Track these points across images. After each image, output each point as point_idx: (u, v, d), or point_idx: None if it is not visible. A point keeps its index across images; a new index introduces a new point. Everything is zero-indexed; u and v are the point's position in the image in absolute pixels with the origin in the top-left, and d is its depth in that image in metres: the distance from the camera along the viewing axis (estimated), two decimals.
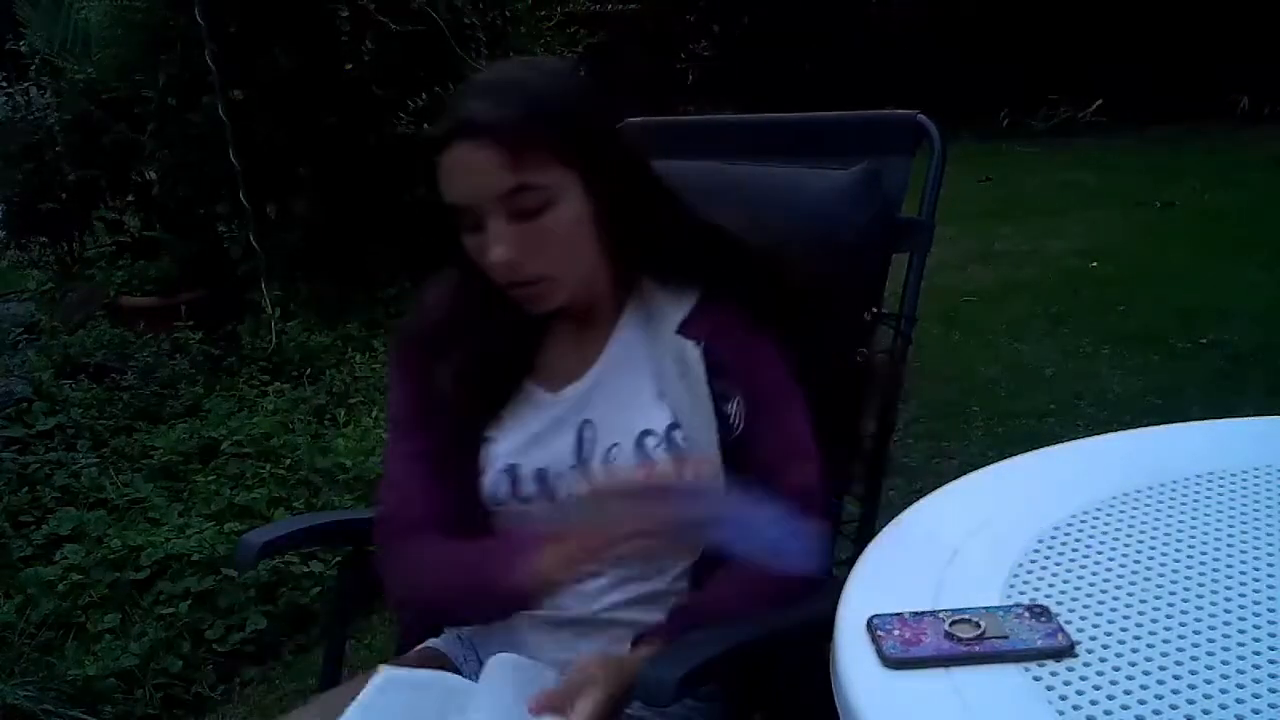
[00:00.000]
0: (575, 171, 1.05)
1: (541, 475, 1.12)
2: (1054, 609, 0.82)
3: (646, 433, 1.10)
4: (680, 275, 1.15)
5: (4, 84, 4.84)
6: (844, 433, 1.28)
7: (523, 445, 1.14)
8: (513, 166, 1.02)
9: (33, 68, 4.87)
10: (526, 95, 1.06)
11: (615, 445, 1.11)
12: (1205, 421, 1.21)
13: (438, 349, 1.15)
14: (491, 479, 1.14)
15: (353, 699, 1.16)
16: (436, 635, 1.28)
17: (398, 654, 1.30)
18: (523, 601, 1.09)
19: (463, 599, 1.13)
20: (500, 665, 1.04)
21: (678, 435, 1.10)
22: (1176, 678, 0.74)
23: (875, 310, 1.32)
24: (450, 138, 1.04)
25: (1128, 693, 0.73)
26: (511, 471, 1.13)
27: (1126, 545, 0.93)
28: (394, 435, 1.21)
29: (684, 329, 1.13)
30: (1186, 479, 1.04)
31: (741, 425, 1.11)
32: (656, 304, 1.16)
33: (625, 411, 1.12)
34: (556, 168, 1.04)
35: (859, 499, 1.30)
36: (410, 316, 1.23)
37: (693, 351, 1.11)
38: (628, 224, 1.10)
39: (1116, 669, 0.76)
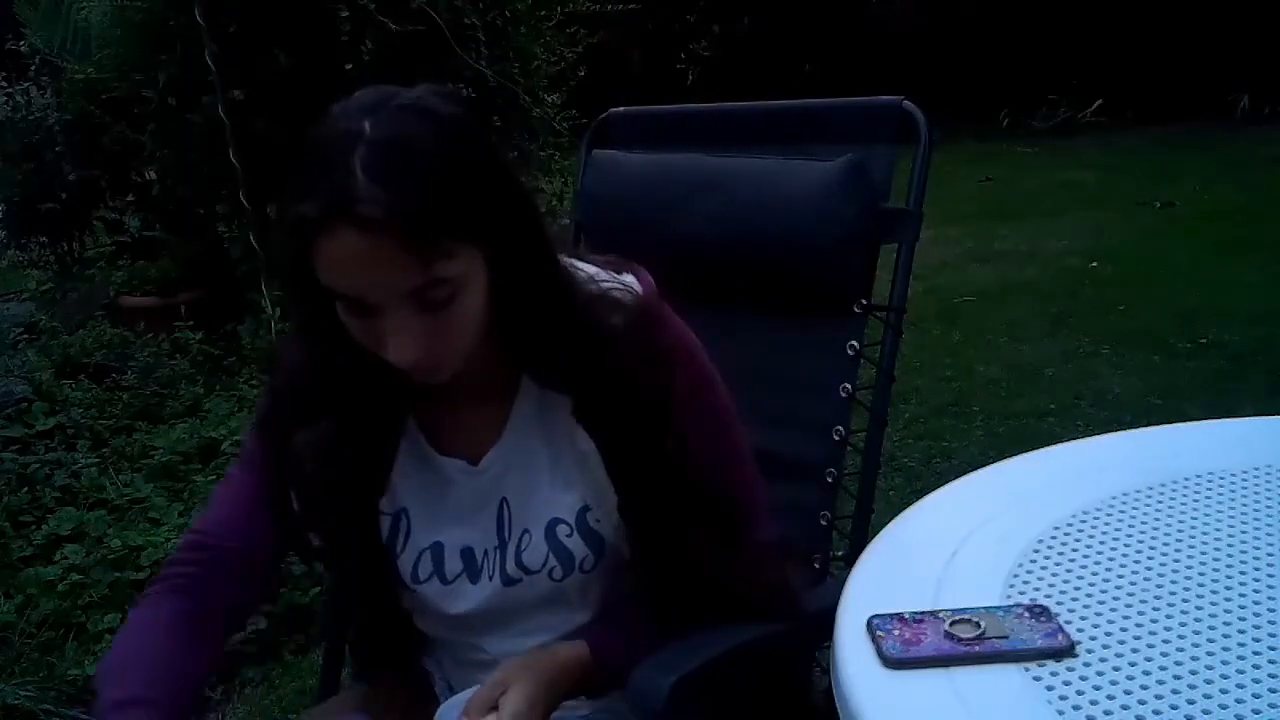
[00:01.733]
0: (480, 249, 0.90)
1: (468, 554, 1.06)
2: (1054, 609, 0.82)
3: (556, 521, 1.04)
4: (556, 368, 1.02)
5: (4, 84, 4.83)
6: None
7: (445, 521, 1.06)
8: (422, 263, 0.85)
9: (33, 68, 4.87)
10: (428, 167, 0.85)
11: (526, 532, 1.05)
12: (1205, 421, 1.21)
13: (304, 411, 1.03)
14: (410, 557, 1.06)
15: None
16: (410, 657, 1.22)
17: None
18: None
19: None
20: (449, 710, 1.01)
21: (590, 518, 1.03)
22: (1177, 678, 0.74)
23: (864, 302, 1.32)
24: (333, 221, 0.83)
25: (1128, 693, 0.73)
26: (436, 550, 1.06)
27: (1126, 545, 0.93)
28: (240, 468, 1.10)
29: (578, 414, 1.02)
30: (1186, 479, 1.04)
31: (658, 505, 1.03)
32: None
33: (534, 497, 1.05)
34: (465, 250, 0.88)
35: (853, 495, 1.30)
36: (280, 367, 1.09)
37: (587, 443, 1.02)
38: (522, 292, 0.95)
39: (1116, 669, 0.76)
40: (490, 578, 1.06)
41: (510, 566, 1.05)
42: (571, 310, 0.99)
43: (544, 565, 1.04)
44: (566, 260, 1.03)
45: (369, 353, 0.92)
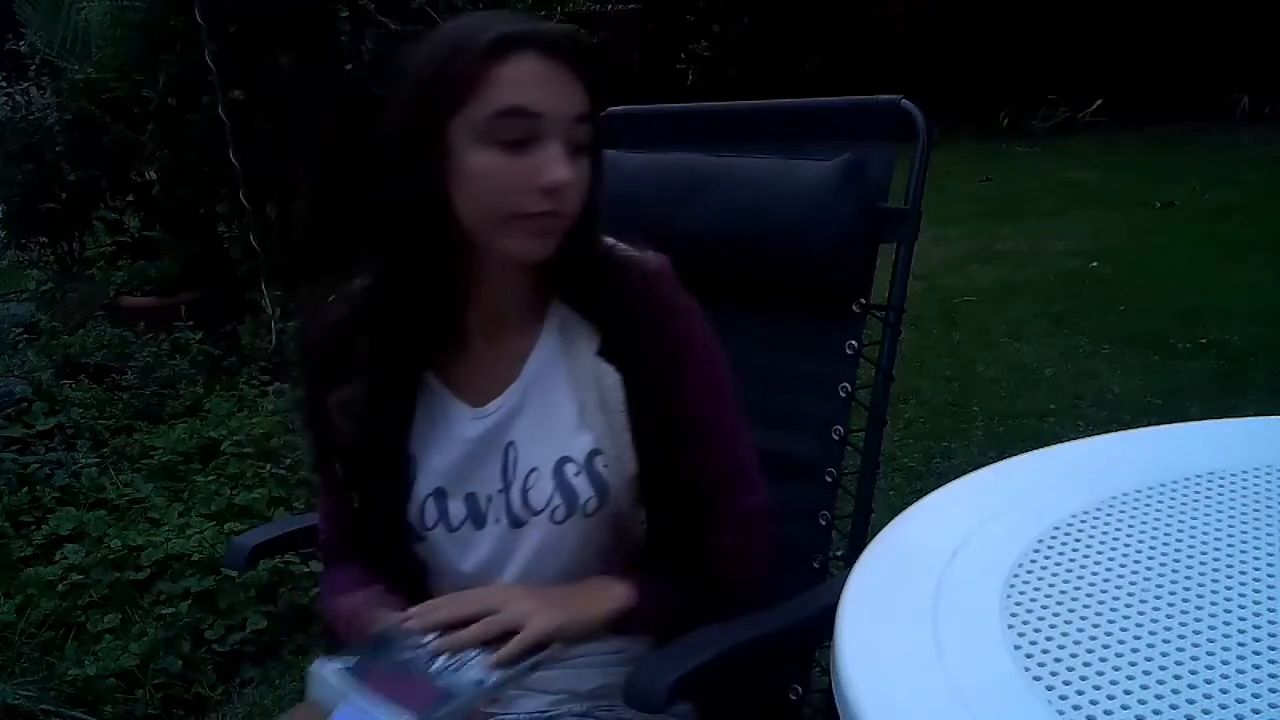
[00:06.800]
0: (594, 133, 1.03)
1: (471, 499, 1.08)
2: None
3: (565, 459, 1.06)
4: (586, 293, 1.09)
5: (4, 84, 4.84)
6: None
7: (450, 466, 1.08)
8: (586, 93, 1.00)
9: (33, 68, 4.87)
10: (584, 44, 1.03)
11: (534, 470, 1.06)
12: (1205, 421, 1.21)
13: (340, 353, 1.09)
14: (416, 504, 1.08)
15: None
16: None
17: None
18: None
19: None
20: None
21: (599, 462, 1.05)
22: (1177, 678, 0.74)
23: (864, 301, 1.32)
24: (526, 45, 0.97)
25: (1128, 693, 0.73)
26: (440, 496, 1.08)
27: (1126, 545, 0.93)
28: (316, 454, 1.18)
29: (604, 352, 1.07)
30: (1186, 479, 1.04)
31: (669, 452, 1.06)
32: (570, 322, 1.10)
33: (547, 435, 1.07)
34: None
35: (853, 495, 1.30)
36: (312, 326, 1.16)
37: (611, 377, 1.06)
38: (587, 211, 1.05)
39: (1116, 669, 0.76)
40: (497, 521, 1.07)
41: (517, 506, 1.06)
42: (603, 246, 1.09)
43: (548, 504, 1.05)
44: None
45: (417, 280, 1.03)
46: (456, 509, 1.08)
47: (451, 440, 1.09)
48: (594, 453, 1.06)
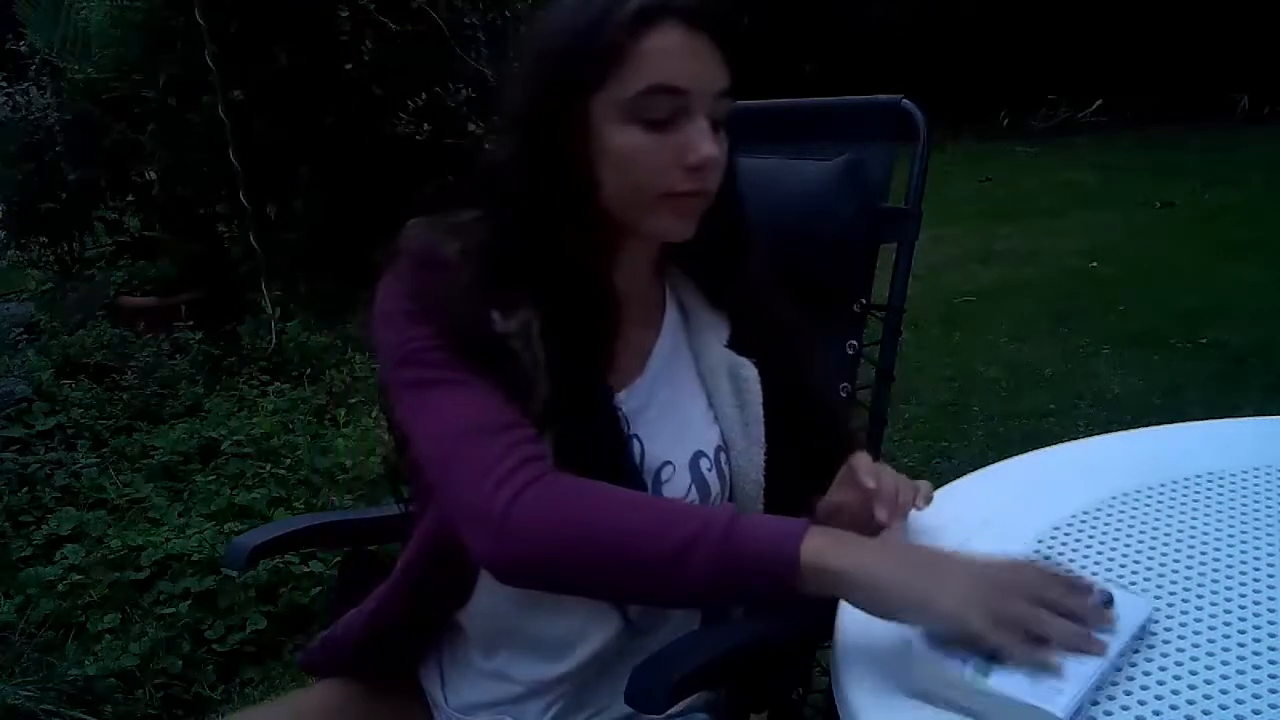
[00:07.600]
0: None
1: None
2: None
3: (699, 454, 1.03)
4: (716, 280, 1.06)
5: (4, 84, 4.84)
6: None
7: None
8: (728, 68, 0.94)
9: (33, 68, 4.87)
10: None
11: (668, 464, 1.01)
12: (1205, 421, 1.21)
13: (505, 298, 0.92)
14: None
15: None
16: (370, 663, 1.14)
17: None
18: (786, 579, 0.81)
19: (686, 555, 0.82)
20: None
21: (723, 459, 1.03)
22: (1176, 678, 0.74)
23: (864, 302, 1.32)
24: (669, 15, 0.90)
25: (1128, 693, 0.73)
26: None
27: (1127, 545, 0.93)
28: (450, 380, 0.91)
29: (734, 344, 1.05)
30: (1186, 479, 1.04)
31: (798, 437, 1.05)
32: (693, 308, 1.07)
33: (679, 430, 1.03)
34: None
35: None
36: (438, 237, 0.95)
37: (749, 370, 1.03)
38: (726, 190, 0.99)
39: (1117, 669, 0.76)
40: None
41: None
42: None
43: (685, 498, 1.01)
44: None
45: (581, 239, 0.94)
46: None
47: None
48: (720, 448, 1.04)
